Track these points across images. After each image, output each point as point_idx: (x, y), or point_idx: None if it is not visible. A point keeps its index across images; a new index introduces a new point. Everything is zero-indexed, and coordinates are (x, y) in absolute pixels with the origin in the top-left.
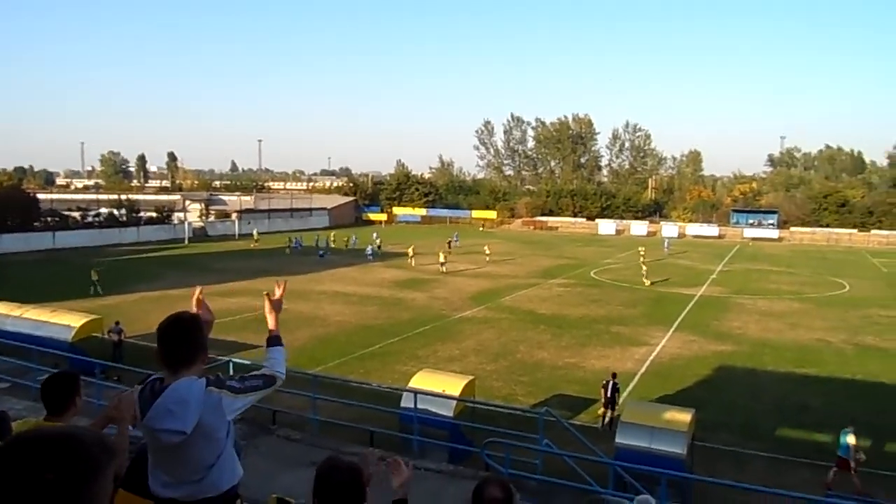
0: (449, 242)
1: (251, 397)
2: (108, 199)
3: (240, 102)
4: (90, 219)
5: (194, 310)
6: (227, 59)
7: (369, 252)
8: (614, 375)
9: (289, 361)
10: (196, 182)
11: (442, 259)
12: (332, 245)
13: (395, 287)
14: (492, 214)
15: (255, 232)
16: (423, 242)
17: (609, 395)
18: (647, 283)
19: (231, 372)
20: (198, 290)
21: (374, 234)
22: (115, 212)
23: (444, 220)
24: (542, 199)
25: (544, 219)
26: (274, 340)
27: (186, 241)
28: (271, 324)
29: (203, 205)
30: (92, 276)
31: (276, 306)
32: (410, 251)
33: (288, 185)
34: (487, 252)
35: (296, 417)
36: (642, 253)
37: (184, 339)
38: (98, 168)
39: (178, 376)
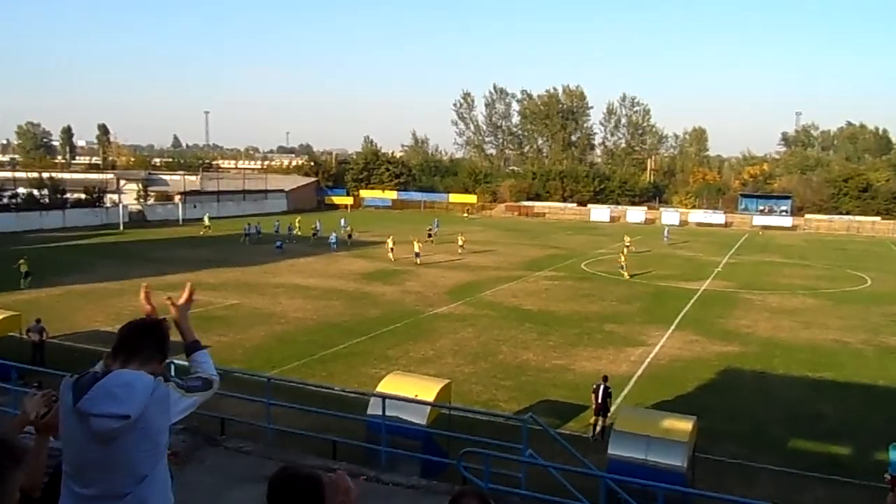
0: (429, 231)
1: (194, 398)
2: (26, 178)
3: (184, 68)
4: (5, 200)
5: (146, 307)
6: (170, 17)
7: (333, 240)
8: (606, 379)
9: (241, 363)
10: (132, 159)
11: (416, 249)
12: (297, 232)
13: (362, 280)
14: (471, 198)
15: (206, 217)
16: (396, 230)
17: (600, 400)
18: (626, 275)
19: (172, 374)
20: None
21: (343, 220)
22: (36, 192)
23: (417, 204)
24: (528, 182)
25: (530, 204)
26: (194, 346)
27: (121, 227)
28: (185, 331)
29: (141, 185)
30: (21, 267)
31: (184, 312)
32: (390, 242)
33: (240, 164)
34: (461, 242)
35: (247, 426)
36: (627, 243)
37: (148, 336)
38: (14, 141)
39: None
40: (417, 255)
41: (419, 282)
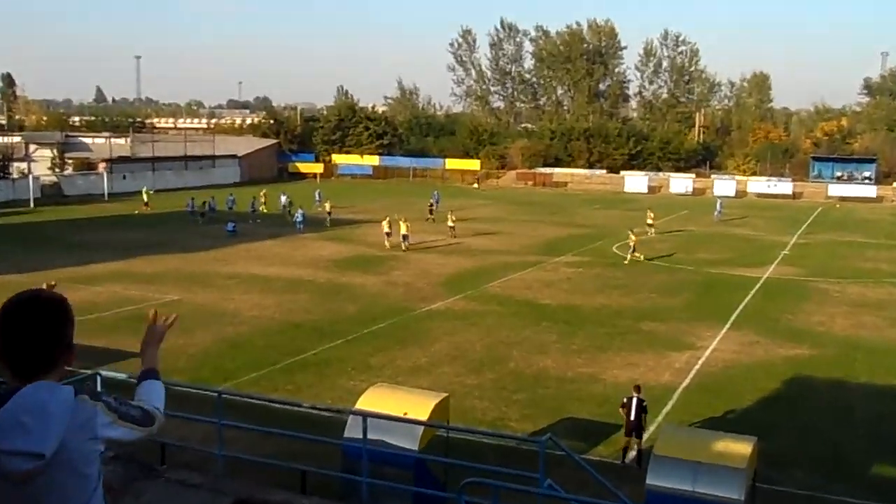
0: (431, 206)
1: (127, 430)
2: None
3: (108, 3)
4: None
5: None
6: None
7: (299, 219)
8: (638, 389)
9: (185, 375)
10: (45, 118)
11: (404, 230)
12: (262, 209)
13: (335, 268)
14: (473, 164)
15: (144, 191)
16: (378, 206)
17: (633, 417)
18: (639, 257)
19: (99, 389)
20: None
21: (318, 193)
22: None
23: (405, 172)
24: (545, 143)
25: (547, 170)
26: (149, 374)
27: (32, 204)
28: (149, 360)
29: (56, 151)
30: None
31: (158, 337)
32: (385, 225)
33: (180, 123)
34: (452, 222)
35: (194, 453)
36: (651, 220)
37: (43, 328)
38: None
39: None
40: (405, 237)
41: (408, 270)
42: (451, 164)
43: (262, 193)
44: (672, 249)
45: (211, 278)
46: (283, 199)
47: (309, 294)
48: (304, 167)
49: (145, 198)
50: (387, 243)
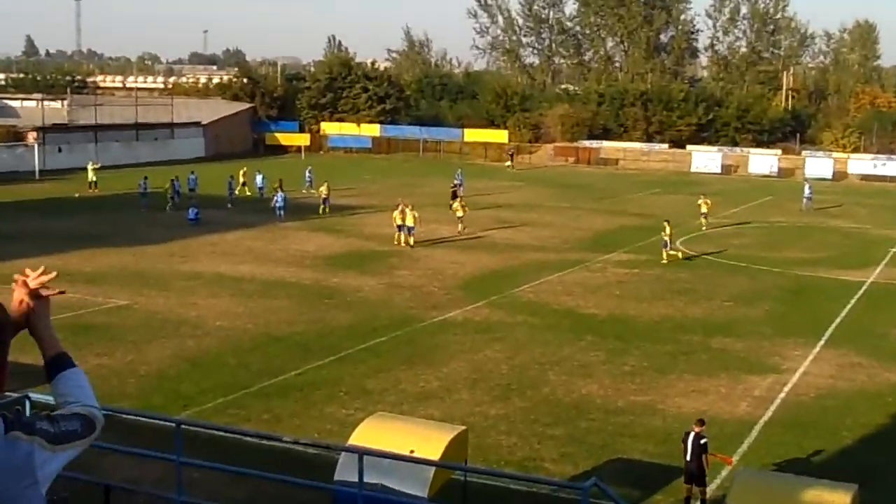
0: (453, 189)
1: (70, 451)
2: None
3: None
4: None
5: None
6: None
7: (279, 203)
8: (701, 423)
9: (134, 400)
10: None
11: (410, 221)
12: (244, 190)
13: (325, 266)
14: (500, 135)
15: (90, 167)
16: (379, 188)
17: (689, 457)
18: (678, 255)
19: (27, 413)
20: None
21: (308, 172)
22: None
23: (413, 145)
24: (591, 109)
25: (594, 144)
26: (60, 362)
27: None
28: (46, 337)
29: None
30: None
31: (44, 306)
32: (397, 215)
33: (130, 82)
34: (462, 212)
35: (147, 499)
36: (705, 207)
37: None
38: None
39: None
40: (411, 228)
41: (416, 270)
42: (472, 135)
43: (241, 172)
44: (751, 246)
45: (168, 278)
46: (260, 178)
47: (291, 299)
48: (285, 138)
49: (91, 176)
50: (401, 240)
